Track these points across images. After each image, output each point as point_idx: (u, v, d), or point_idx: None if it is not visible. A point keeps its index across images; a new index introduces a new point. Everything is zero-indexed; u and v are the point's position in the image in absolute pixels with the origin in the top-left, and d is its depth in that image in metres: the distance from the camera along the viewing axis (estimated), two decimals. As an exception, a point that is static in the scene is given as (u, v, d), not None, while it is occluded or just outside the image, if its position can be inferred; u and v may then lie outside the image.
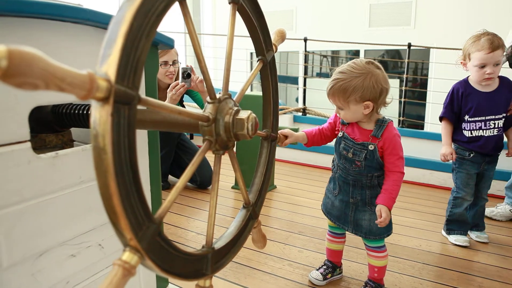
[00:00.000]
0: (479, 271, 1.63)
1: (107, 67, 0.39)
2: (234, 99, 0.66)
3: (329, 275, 1.47)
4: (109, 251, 0.98)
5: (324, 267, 1.49)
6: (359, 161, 1.28)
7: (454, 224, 1.97)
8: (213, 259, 0.62)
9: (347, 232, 1.41)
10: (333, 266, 1.49)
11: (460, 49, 1.86)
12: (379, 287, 1.39)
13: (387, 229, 1.32)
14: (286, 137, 1.26)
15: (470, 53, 1.76)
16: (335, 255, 1.50)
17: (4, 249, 0.72)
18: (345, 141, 1.31)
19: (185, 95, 2.53)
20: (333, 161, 1.42)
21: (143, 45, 0.43)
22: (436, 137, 3.14)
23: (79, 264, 0.90)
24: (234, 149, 0.72)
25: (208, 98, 0.61)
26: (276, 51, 0.82)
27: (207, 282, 0.60)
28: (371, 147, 1.26)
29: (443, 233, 2.03)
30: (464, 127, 1.86)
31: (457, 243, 1.90)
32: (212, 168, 2.78)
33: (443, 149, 1.87)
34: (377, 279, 1.38)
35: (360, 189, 1.31)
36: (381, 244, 1.35)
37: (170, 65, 2.36)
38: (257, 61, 0.78)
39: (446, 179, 2.91)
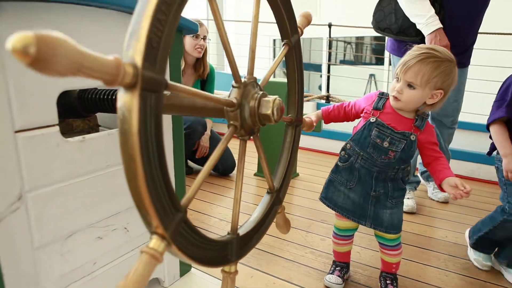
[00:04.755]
0: (508, 264, 1.58)
1: (134, 51, 0.38)
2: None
3: (345, 275, 1.39)
4: (134, 234, 1.00)
5: (338, 268, 1.39)
6: (394, 152, 1.18)
7: (486, 243, 1.53)
8: (238, 245, 0.63)
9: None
10: (346, 265, 1.41)
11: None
12: (396, 277, 1.36)
13: (401, 221, 1.27)
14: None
15: None
16: (345, 256, 1.41)
17: (35, 229, 0.74)
18: (380, 129, 1.19)
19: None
20: (344, 149, 1.28)
21: (169, 29, 0.42)
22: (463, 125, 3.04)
23: (105, 246, 0.92)
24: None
25: (233, 82, 0.60)
26: (302, 35, 0.79)
27: (232, 267, 0.62)
28: (412, 137, 1.17)
29: (467, 239, 1.66)
30: None
31: (477, 265, 1.55)
32: (234, 155, 2.78)
33: (506, 162, 1.39)
34: (394, 272, 1.35)
35: (382, 182, 1.23)
36: (399, 242, 1.30)
37: (201, 38, 2.40)
38: (282, 45, 0.76)
39: (474, 169, 2.82)
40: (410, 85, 1.12)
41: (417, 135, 1.18)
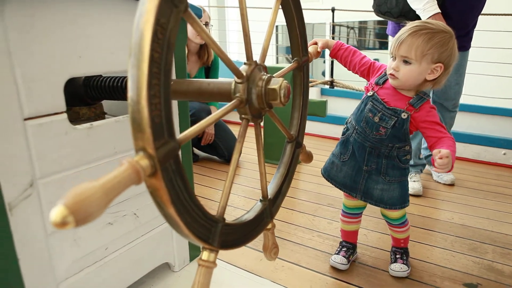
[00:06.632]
0: (515, 244, 1.59)
1: (143, 142, 0.37)
2: (259, 59, 0.64)
3: (351, 256, 1.39)
4: (143, 220, 1.01)
5: (344, 249, 1.39)
6: (385, 128, 1.16)
7: None
8: (270, 206, 0.68)
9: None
10: (352, 247, 1.41)
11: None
12: (407, 251, 1.39)
13: (402, 200, 1.24)
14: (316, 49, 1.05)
15: None
16: (352, 236, 1.42)
17: (48, 215, 0.75)
18: (374, 103, 1.18)
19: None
20: (346, 122, 1.29)
21: (165, 93, 0.40)
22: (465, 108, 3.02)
23: (116, 231, 0.94)
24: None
25: (236, 78, 0.60)
26: None
27: (270, 225, 0.68)
28: (404, 115, 1.14)
29: None
30: None
31: None
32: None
33: None
34: (403, 246, 1.39)
35: (376, 157, 1.21)
36: (404, 220, 1.31)
37: (203, 25, 2.38)
38: None
39: (479, 151, 2.81)
40: (405, 61, 1.10)
41: (411, 113, 1.14)
